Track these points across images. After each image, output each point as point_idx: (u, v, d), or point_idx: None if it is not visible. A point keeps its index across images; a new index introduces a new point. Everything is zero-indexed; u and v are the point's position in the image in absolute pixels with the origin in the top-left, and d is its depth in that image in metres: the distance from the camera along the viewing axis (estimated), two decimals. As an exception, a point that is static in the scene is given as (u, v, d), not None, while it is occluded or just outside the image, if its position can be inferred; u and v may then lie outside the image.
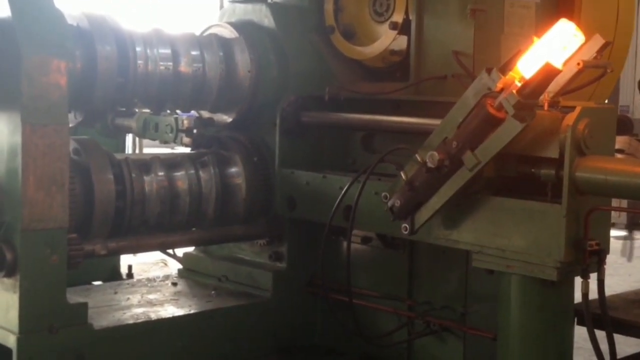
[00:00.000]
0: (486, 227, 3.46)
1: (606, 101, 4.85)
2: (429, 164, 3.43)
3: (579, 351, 3.72)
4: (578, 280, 3.36)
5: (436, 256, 4.11)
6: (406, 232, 3.63)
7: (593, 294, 3.36)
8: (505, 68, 3.39)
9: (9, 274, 3.55)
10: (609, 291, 3.56)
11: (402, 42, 4.48)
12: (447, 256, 4.02)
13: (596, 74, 3.66)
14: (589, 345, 3.38)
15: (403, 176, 3.56)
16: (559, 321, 3.40)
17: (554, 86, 3.52)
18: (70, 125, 3.93)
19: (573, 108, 3.32)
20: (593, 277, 3.33)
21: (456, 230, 3.58)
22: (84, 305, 3.77)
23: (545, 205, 3.30)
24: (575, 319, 3.56)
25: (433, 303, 4.13)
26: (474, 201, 3.51)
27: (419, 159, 3.50)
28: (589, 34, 3.53)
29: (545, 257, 3.27)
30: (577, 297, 3.46)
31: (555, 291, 3.35)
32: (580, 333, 3.53)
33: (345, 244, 4.00)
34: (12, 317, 3.55)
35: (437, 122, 3.59)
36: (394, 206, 3.60)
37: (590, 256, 3.27)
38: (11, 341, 3.54)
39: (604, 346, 3.40)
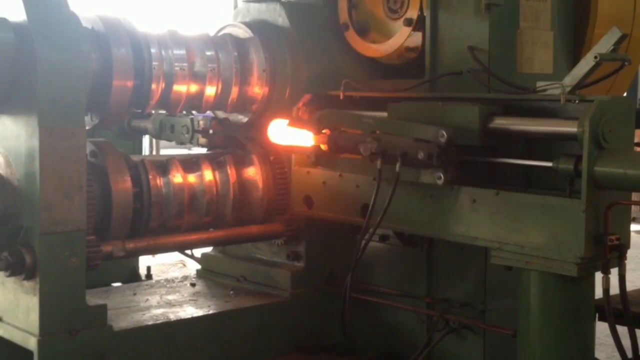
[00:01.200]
0: (504, 223, 3.44)
1: (625, 94, 4.80)
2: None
3: (600, 347, 3.69)
4: (598, 276, 3.33)
5: (454, 253, 4.09)
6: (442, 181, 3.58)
7: (614, 289, 3.33)
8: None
9: (29, 277, 3.57)
10: (630, 286, 3.53)
11: (417, 38, 4.45)
12: (466, 253, 4.00)
13: (614, 67, 3.63)
14: (611, 341, 3.35)
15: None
16: (580, 317, 3.37)
17: (571, 80, 3.50)
18: (87, 127, 3.95)
19: (591, 102, 3.29)
20: (614, 272, 3.30)
21: (474, 226, 3.56)
22: (104, 307, 3.78)
23: (565, 200, 3.28)
24: (597, 315, 3.53)
25: (452, 301, 4.12)
26: (491, 197, 3.49)
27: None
28: (606, 27, 3.50)
29: (565, 253, 3.24)
30: (598, 292, 3.43)
31: (576, 287, 3.32)
32: (601, 329, 3.51)
33: (362, 242, 3.98)
34: (32, 319, 3.57)
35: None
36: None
37: (610, 251, 3.24)
38: (32, 343, 3.55)
39: (626, 342, 3.37)
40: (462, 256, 4.06)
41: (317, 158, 4.10)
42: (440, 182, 3.57)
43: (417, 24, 4.40)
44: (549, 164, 3.37)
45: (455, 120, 3.61)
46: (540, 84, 3.68)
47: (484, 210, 3.53)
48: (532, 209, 3.37)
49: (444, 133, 3.51)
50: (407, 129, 3.70)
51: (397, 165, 3.67)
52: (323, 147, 4.03)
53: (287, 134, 4.29)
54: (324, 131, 4.04)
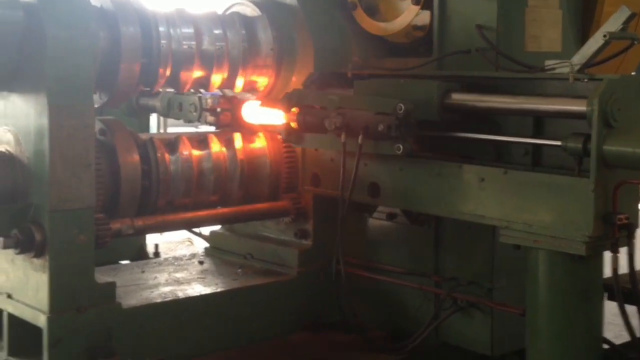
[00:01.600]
0: (513, 202, 3.44)
1: (633, 73, 4.78)
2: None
3: (609, 327, 3.69)
4: (607, 255, 3.33)
5: (462, 232, 4.10)
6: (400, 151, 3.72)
7: (623, 268, 3.34)
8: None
9: (38, 254, 3.59)
10: (639, 265, 3.53)
11: (425, 17, 4.43)
12: (473, 231, 4.00)
13: (623, 45, 3.61)
14: (619, 321, 3.36)
15: None
16: (588, 296, 3.37)
17: (579, 59, 3.49)
18: (96, 106, 3.95)
19: (600, 80, 3.28)
20: (623, 251, 3.30)
21: (482, 205, 3.56)
22: (112, 285, 3.81)
23: (573, 179, 3.27)
24: (605, 294, 3.54)
25: (459, 279, 4.13)
26: (499, 175, 3.50)
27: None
28: (615, 5, 3.48)
29: (574, 232, 3.24)
30: (607, 272, 3.44)
31: (584, 266, 3.32)
32: (610, 308, 3.51)
33: (370, 220, 4.00)
34: (42, 296, 3.60)
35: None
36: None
37: (619, 230, 3.23)
38: (41, 320, 3.58)
39: (635, 321, 3.38)
40: (470, 234, 4.06)
41: (287, 135, 4.21)
42: (399, 152, 3.72)
43: (425, 3, 4.38)
44: (558, 143, 3.36)
45: (415, 95, 3.73)
46: (548, 63, 3.66)
47: (492, 189, 3.53)
48: (540, 188, 3.36)
49: (402, 106, 3.65)
50: (368, 103, 3.85)
51: (360, 138, 3.80)
52: (293, 124, 4.15)
53: (259, 114, 4.44)
54: (293, 109, 4.15)
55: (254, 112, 4.46)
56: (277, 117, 4.34)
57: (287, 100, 4.20)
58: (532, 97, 3.58)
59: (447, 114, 3.72)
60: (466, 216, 3.65)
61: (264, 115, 4.44)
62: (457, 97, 3.71)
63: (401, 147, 3.70)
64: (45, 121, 3.53)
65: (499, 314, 4.00)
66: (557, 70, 3.59)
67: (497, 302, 3.99)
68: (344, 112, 3.90)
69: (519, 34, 4.15)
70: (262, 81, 4.61)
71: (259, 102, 4.51)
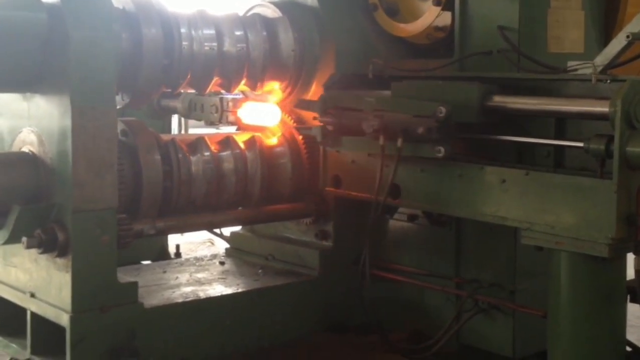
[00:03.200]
0: (535, 204, 3.43)
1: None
2: None
3: (631, 329, 3.67)
4: (630, 257, 3.31)
5: (483, 233, 4.09)
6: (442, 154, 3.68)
7: (646, 270, 3.31)
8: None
9: (62, 254, 3.61)
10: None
11: (446, 18, 4.43)
12: (495, 233, 3.99)
13: (647, 46, 3.59)
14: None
15: None
16: (611, 299, 3.35)
17: (602, 60, 3.47)
18: (118, 107, 3.98)
19: (623, 81, 3.26)
20: (646, 253, 3.27)
21: (504, 206, 3.55)
22: (134, 285, 3.83)
23: (596, 180, 3.25)
24: (628, 296, 3.51)
25: (481, 281, 4.11)
26: (521, 177, 3.48)
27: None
28: (638, 6, 3.46)
29: (596, 234, 3.22)
30: (630, 274, 3.41)
31: (607, 268, 3.30)
32: (633, 311, 3.49)
33: (391, 222, 3.99)
34: (65, 296, 3.62)
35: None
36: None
37: (642, 232, 3.22)
38: (64, 320, 3.61)
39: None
40: (492, 236, 4.05)
41: (322, 137, 4.17)
42: (440, 155, 3.67)
43: (446, 4, 4.37)
44: (580, 145, 3.35)
45: (454, 97, 3.68)
46: (571, 64, 3.65)
47: (513, 190, 3.52)
48: (562, 190, 3.35)
49: (443, 109, 3.60)
50: (407, 106, 3.80)
51: (399, 141, 3.75)
52: (329, 127, 4.13)
53: (255, 114, 4.47)
54: (328, 111, 4.13)
55: (250, 112, 4.47)
56: (270, 119, 4.43)
57: (323, 102, 4.18)
58: (564, 98, 3.54)
59: (487, 116, 3.67)
60: (488, 217, 3.63)
61: (258, 116, 4.48)
62: (498, 99, 3.65)
63: (442, 149, 3.65)
64: (68, 122, 3.55)
65: (520, 316, 3.99)
66: (579, 72, 3.57)
67: (519, 304, 3.97)
68: (382, 114, 3.86)
69: (541, 35, 4.13)
70: (283, 83, 4.62)
71: (275, 104, 4.56)
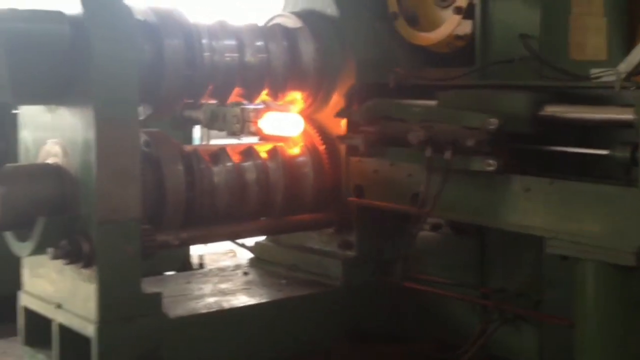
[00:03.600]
0: (560, 212, 3.41)
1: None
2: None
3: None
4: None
5: (508, 242, 4.06)
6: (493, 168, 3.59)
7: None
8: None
9: (87, 265, 3.63)
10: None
11: (466, 26, 4.42)
12: (520, 242, 3.97)
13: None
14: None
15: None
16: (639, 307, 3.32)
17: (626, 67, 3.45)
18: (140, 118, 4.00)
19: (648, 87, 3.24)
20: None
21: (529, 215, 3.53)
22: (159, 295, 3.84)
23: (622, 188, 3.23)
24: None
25: (506, 290, 4.09)
26: (545, 185, 3.46)
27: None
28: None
29: (622, 242, 3.20)
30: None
31: (634, 277, 3.27)
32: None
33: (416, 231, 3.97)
34: (90, 306, 3.64)
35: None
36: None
37: (670, 240, 3.19)
38: (90, 330, 3.63)
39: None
40: (517, 245, 4.02)
41: (366, 147, 4.09)
42: (491, 169, 3.56)
43: (466, 12, 4.37)
44: (605, 152, 3.33)
45: (504, 107, 3.58)
46: (594, 71, 3.63)
47: (537, 199, 3.50)
48: (587, 198, 3.33)
49: (494, 120, 3.51)
50: (456, 117, 3.70)
51: (448, 153, 3.67)
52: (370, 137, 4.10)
53: (277, 125, 4.48)
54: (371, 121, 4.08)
55: (270, 122, 4.49)
56: (292, 128, 4.42)
57: (366, 111, 4.13)
58: (607, 107, 3.50)
59: (540, 126, 3.59)
60: (512, 227, 3.61)
61: (280, 126, 4.49)
62: (551, 109, 3.58)
63: (493, 163, 3.56)
64: (92, 133, 3.58)
65: (547, 326, 3.95)
66: (603, 79, 3.55)
67: (545, 313, 3.94)
68: (429, 125, 3.78)
69: (562, 42, 4.12)
70: (304, 92, 4.63)
71: (297, 114, 4.57)
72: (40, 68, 3.64)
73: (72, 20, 3.63)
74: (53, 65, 3.65)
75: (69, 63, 3.65)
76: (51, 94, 3.74)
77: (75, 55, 3.63)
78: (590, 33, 4.22)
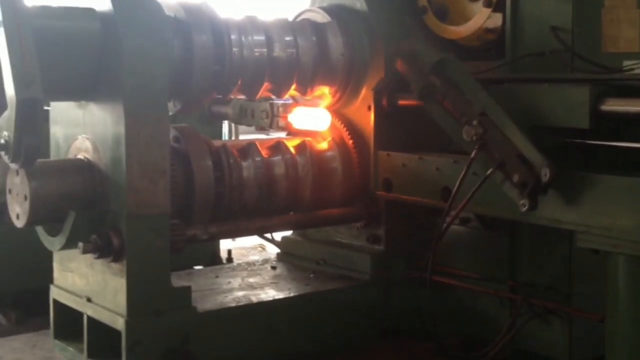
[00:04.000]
0: (591, 206, 3.36)
1: None
2: None
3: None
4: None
5: (538, 236, 4.03)
6: (525, 209, 3.48)
7: None
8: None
9: (116, 259, 3.67)
10: None
11: (496, 19, 4.39)
12: (550, 236, 3.93)
13: None
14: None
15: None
16: (670, 302, 3.28)
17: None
18: (170, 113, 4.02)
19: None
20: None
21: (559, 209, 3.49)
22: (188, 289, 3.86)
23: (654, 182, 3.19)
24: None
25: (536, 284, 4.05)
26: (577, 180, 3.42)
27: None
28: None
29: (655, 236, 3.15)
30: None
31: (666, 271, 3.23)
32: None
33: (444, 225, 3.95)
34: (120, 300, 3.67)
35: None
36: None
37: (703, 234, 3.13)
38: (120, 324, 3.66)
39: None
40: (546, 239, 3.99)
41: (422, 92, 3.92)
42: (524, 209, 3.48)
43: (496, 5, 4.33)
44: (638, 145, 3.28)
45: (561, 101, 3.50)
46: (627, 63, 3.58)
47: (569, 193, 3.46)
48: (620, 192, 3.28)
49: (548, 173, 3.36)
50: (518, 138, 3.52)
51: (490, 171, 3.59)
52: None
53: (305, 119, 4.46)
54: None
55: (299, 117, 4.48)
56: (321, 122, 4.42)
57: (439, 66, 3.91)
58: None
59: (601, 121, 3.45)
60: (542, 221, 3.57)
61: (308, 121, 4.49)
62: (613, 102, 3.42)
63: (527, 205, 3.44)
64: (122, 129, 3.61)
65: (577, 320, 3.91)
66: (636, 71, 3.50)
67: (575, 308, 3.90)
68: (487, 127, 3.60)
69: (595, 35, 4.06)
70: (333, 87, 4.63)
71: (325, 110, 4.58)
72: (71, 65, 3.67)
73: (103, 17, 3.66)
74: (84, 62, 3.68)
75: (99, 59, 3.68)
76: (83, 91, 3.77)
77: (105, 52, 3.66)
78: (624, 25, 4.16)
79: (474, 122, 3.63)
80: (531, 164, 3.42)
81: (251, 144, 4.38)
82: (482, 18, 4.41)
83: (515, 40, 4.22)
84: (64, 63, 3.65)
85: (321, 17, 4.65)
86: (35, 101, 3.35)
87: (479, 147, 3.63)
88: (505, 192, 3.57)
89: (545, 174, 3.38)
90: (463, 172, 3.72)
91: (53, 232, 3.81)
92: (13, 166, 3.56)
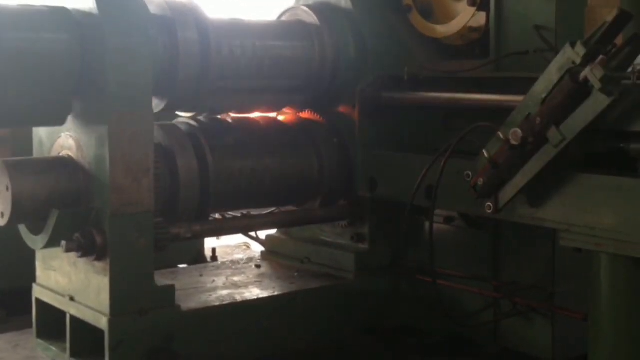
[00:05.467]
0: (574, 205, 3.37)
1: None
2: (512, 141, 3.37)
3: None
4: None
5: (521, 235, 4.04)
6: (490, 211, 3.58)
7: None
8: (590, 41, 3.29)
9: (100, 257, 3.65)
10: None
11: (480, 18, 4.40)
12: (533, 235, 3.95)
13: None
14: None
15: (485, 154, 3.51)
16: (653, 301, 3.30)
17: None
18: (154, 111, 4.00)
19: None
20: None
21: (542, 208, 3.50)
22: (172, 288, 3.86)
23: (636, 181, 3.20)
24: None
25: (519, 283, 4.07)
26: (560, 178, 3.43)
27: (501, 136, 3.44)
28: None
29: (638, 235, 3.16)
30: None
31: (649, 270, 3.25)
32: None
33: (427, 224, 3.96)
34: (103, 299, 3.66)
35: (519, 98, 3.51)
36: (477, 184, 3.56)
37: (687, 233, 3.15)
38: (103, 323, 3.65)
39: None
40: (530, 238, 4.01)
41: None
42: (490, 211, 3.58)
43: (480, 4, 4.34)
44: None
45: None
46: (610, 63, 3.58)
47: (552, 192, 3.47)
48: (602, 191, 3.29)
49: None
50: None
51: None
52: None
53: None
54: None
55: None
56: None
57: None
58: None
59: None
60: (525, 219, 3.59)
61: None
62: None
63: (492, 206, 3.55)
64: (105, 127, 3.59)
65: (560, 319, 3.94)
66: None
67: (558, 306, 3.93)
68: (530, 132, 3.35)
69: (578, 35, 4.07)
70: (319, 87, 4.62)
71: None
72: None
73: (85, 16, 3.62)
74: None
75: (81, 64, 3.62)
76: (67, 92, 3.72)
77: (88, 50, 3.62)
78: (606, 25, 4.17)
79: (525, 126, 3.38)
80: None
81: (236, 141, 4.35)
82: (466, 17, 4.42)
83: (499, 39, 4.23)
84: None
85: (307, 16, 4.64)
86: None
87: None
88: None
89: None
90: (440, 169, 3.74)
91: (36, 231, 3.79)
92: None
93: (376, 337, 4.41)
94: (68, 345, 3.87)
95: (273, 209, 4.68)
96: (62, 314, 3.91)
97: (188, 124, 4.31)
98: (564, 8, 4.03)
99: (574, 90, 3.22)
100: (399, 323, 4.32)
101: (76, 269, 3.82)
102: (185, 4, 4.17)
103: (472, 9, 4.38)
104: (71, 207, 3.70)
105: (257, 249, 5.54)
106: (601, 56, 3.17)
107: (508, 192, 3.52)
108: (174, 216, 4.02)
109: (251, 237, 5.35)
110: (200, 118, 4.43)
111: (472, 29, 4.47)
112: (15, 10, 3.57)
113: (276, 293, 4.27)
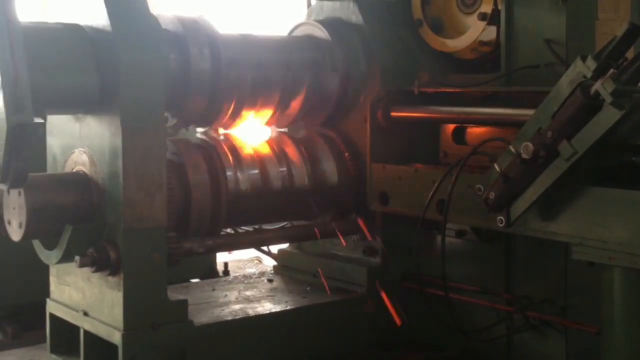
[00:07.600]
0: (586, 218, 3.37)
1: None
2: (524, 155, 3.38)
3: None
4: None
5: (533, 249, 4.04)
6: (502, 225, 3.59)
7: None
8: (600, 54, 3.30)
9: (113, 272, 3.66)
10: None
11: (491, 32, 4.41)
12: (545, 248, 3.94)
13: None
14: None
15: (497, 168, 3.51)
16: (666, 314, 3.29)
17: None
18: (167, 126, 4.03)
19: (675, 93, 3.20)
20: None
21: (554, 222, 3.50)
22: (184, 302, 3.86)
23: (649, 194, 3.20)
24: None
25: (532, 297, 4.06)
26: (572, 192, 3.43)
27: (513, 150, 3.45)
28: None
29: (650, 248, 3.16)
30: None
31: (662, 283, 3.24)
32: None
33: (439, 237, 3.96)
34: (116, 314, 3.67)
35: (530, 112, 3.52)
36: (488, 198, 3.56)
37: (700, 246, 3.14)
38: (116, 337, 3.65)
39: None
40: (542, 251, 4.00)
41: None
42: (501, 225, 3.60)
43: (491, 18, 4.36)
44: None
45: None
46: (621, 76, 3.59)
47: (564, 205, 3.47)
48: (615, 204, 3.29)
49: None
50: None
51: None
52: None
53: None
54: None
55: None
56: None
57: None
58: None
59: None
60: (537, 233, 3.59)
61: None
62: None
63: (503, 220, 3.57)
64: (119, 142, 3.61)
65: (573, 333, 3.92)
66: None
67: (571, 320, 3.91)
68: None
69: (589, 48, 4.08)
70: (329, 100, 4.64)
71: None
72: (65, 82, 3.67)
73: (98, 31, 3.66)
74: (79, 79, 3.67)
75: (100, 75, 3.67)
76: (81, 105, 3.76)
77: (102, 66, 3.66)
78: (617, 38, 4.18)
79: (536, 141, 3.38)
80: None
81: (248, 156, 4.37)
82: (477, 31, 4.44)
83: (510, 53, 4.24)
84: (58, 81, 3.64)
85: (318, 31, 4.67)
86: (26, 126, 3.33)
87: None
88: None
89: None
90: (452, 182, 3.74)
91: (50, 246, 3.82)
92: (1, 186, 3.54)
93: (389, 351, 4.40)
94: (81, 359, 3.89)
95: (285, 223, 4.70)
96: (75, 328, 3.92)
97: (200, 138, 4.34)
98: (574, 22, 4.03)
99: (585, 104, 3.23)
100: (411, 338, 4.30)
101: (90, 284, 3.84)
102: (196, 19, 4.20)
103: (483, 23, 4.39)
104: (85, 223, 3.73)
105: (269, 263, 5.55)
106: (612, 70, 3.18)
107: (520, 206, 3.52)
108: (187, 231, 4.04)
109: (263, 252, 5.37)
110: (212, 133, 4.45)
111: (483, 43, 4.48)
112: (29, 27, 3.60)
113: (288, 307, 4.27)
